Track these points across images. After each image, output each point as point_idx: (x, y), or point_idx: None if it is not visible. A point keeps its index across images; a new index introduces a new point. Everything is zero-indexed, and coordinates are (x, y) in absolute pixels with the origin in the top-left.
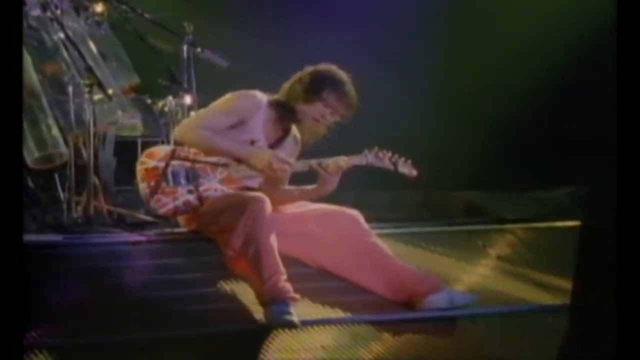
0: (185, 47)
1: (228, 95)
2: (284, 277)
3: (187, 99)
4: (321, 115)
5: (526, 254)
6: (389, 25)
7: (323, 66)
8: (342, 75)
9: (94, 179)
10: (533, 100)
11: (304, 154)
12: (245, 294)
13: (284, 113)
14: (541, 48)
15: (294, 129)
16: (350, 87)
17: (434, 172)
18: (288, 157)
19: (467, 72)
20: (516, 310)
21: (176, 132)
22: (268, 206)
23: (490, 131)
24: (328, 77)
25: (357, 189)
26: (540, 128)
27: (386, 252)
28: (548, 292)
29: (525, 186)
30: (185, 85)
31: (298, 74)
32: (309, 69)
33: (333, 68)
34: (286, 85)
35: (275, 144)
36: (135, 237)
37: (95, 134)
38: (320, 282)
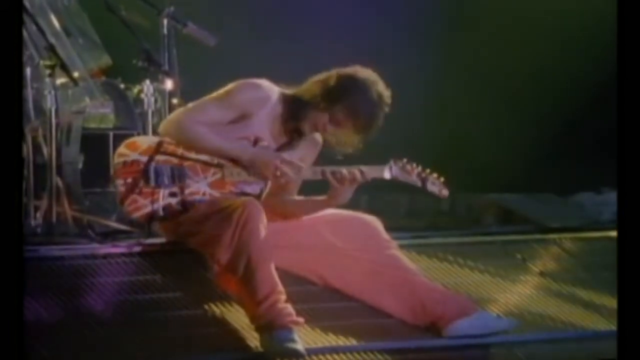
0: (165, 21)
1: (229, 85)
2: (283, 297)
3: (168, 84)
4: (322, 125)
5: (575, 270)
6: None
7: (350, 71)
8: (370, 86)
9: (56, 180)
10: (582, 93)
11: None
12: (236, 317)
13: (293, 110)
14: (586, 44)
15: None
16: (374, 104)
17: (461, 172)
18: (299, 161)
19: (503, 60)
20: (563, 337)
21: (162, 127)
22: (260, 212)
23: (529, 125)
24: (350, 85)
25: (370, 191)
26: (588, 123)
27: (408, 268)
28: (601, 315)
29: (571, 189)
30: (165, 67)
31: (323, 74)
32: (335, 72)
33: (361, 76)
34: (308, 82)
35: (285, 146)
36: (105, 249)
37: (57, 125)
38: (328, 303)
